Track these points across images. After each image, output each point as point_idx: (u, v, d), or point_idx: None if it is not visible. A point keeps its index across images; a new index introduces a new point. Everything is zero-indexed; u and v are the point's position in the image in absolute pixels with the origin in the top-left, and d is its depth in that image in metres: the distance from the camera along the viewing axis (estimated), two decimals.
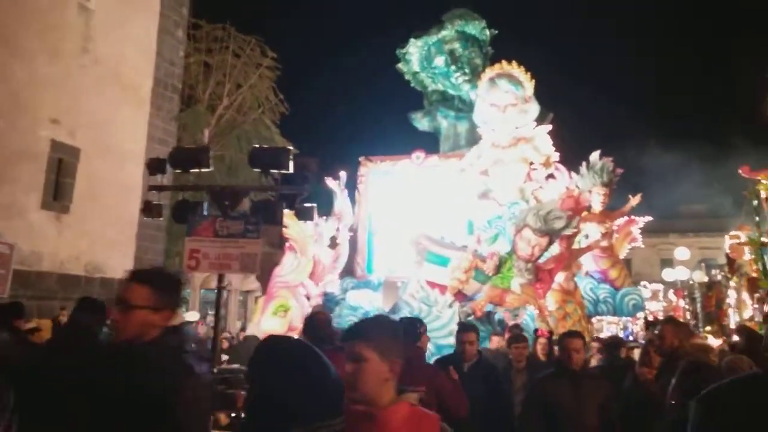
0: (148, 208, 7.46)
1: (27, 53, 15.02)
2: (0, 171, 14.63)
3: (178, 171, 7.50)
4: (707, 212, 31.05)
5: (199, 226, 7.35)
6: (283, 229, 11.66)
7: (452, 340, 10.36)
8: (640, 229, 12.74)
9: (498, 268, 10.84)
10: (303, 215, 7.68)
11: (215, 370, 7.22)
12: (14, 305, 6.75)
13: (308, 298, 11.93)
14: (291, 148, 8.29)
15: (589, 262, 11.84)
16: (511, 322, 9.74)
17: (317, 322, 4.67)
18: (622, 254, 12.49)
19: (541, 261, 10.44)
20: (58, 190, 16.22)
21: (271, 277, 12.23)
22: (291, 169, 7.27)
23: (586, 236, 11.86)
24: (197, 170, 7.30)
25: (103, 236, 16.87)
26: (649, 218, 12.94)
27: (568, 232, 10.32)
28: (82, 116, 15.95)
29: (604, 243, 11.77)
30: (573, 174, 12.31)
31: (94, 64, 16.29)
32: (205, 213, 7.42)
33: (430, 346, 6.95)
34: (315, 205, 7.55)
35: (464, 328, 6.25)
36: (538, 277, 10.49)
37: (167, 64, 17.66)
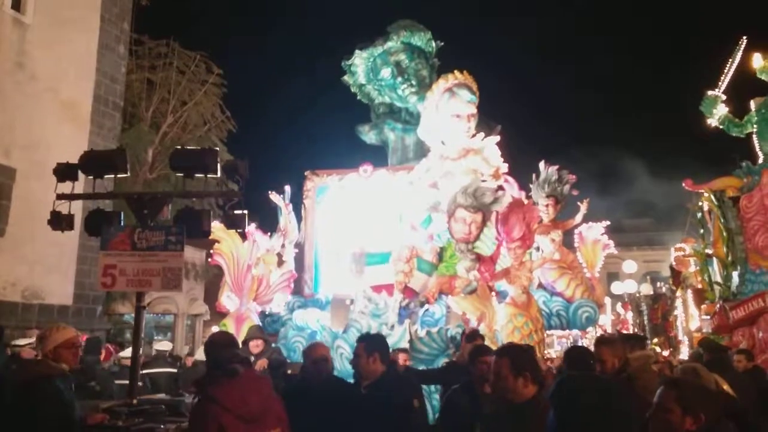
0: (56, 220, 6.38)
1: None
2: None
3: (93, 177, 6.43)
4: (650, 226, 30.92)
5: (115, 239, 6.30)
6: (215, 245, 10.63)
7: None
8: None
9: (440, 257, 10.35)
10: (233, 223, 6.67)
11: (134, 401, 6.12)
12: None
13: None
14: (218, 149, 7.27)
15: (541, 274, 11.06)
16: (467, 329, 8.82)
17: (215, 345, 3.73)
18: (599, 263, 11.81)
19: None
20: None
21: (240, 300, 11.11)
22: (218, 173, 6.29)
23: (538, 248, 11.10)
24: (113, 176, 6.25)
25: (41, 260, 15.56)
26: (606, 222, 12.26)
27: (497, 207, 10.08)
28: (17, 135, 14.69)
29: (556, 255, 11.02)
30: (523, 185, 11.60)
31: (30, 80, 15.06)
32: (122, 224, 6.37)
33: None
34: (245, 212, 6.55)
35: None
36: (480, 260, 10.10)
37: (108, 81, 16.47)
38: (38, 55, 15.15)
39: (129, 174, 6.39)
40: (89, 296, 17.22)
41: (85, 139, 15.97)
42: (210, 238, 11.36)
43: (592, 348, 9.86)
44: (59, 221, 6.42)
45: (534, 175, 11.47)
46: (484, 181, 11.73)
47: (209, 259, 11.95)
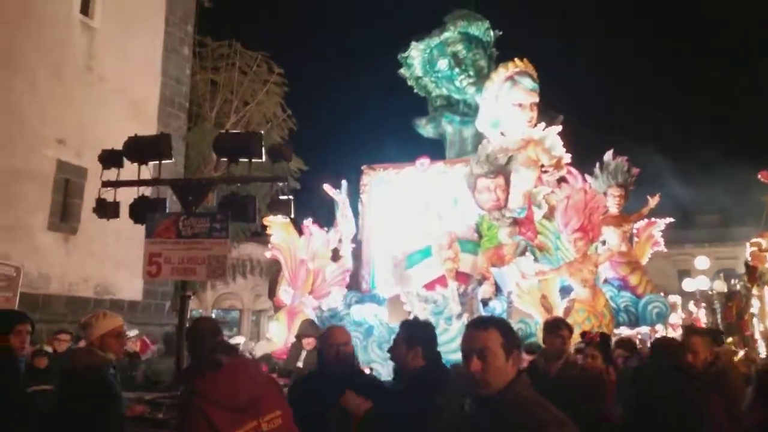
0: (102, 207, 6.11)
1: (30, 72, 13.95)
2: (5, 192, 13.54)
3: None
4: (721, 221, 29.22)
5: (160, 226, 5.99)
6: (271, 238, 10.30)
7: (460, 356, 9.00)
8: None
9: (479, 233, 10.20)
10: (278, 209, 6.25)
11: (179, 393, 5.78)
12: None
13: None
14: (262, 132, 6.87)
15: (607, 269, 10.25)
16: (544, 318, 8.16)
17: (197, 333, 3.29)
18: (645, 260, 10.92)
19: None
20: (66, 211, 15.14)
21: (288, 291, 10.81)
22: (263, 157, 5.88)
23: (604, 242, 10.32)
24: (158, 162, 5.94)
25: (112, 257, 15.70)
26: (670, 219, 11.35)
27: (512, 168, 10.07)
28: (87, 135, 14.81)
29: (623, 248, 10.20)
30: (587, 177, 10.83)
31: (98, 82, 15.18)
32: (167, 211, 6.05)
33: None
34: (291, 197, 6.12)
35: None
36: (518, 223, 9.96)
37: (173, 82, 16.48)
38: (106, 58, 15.26)
39: (173, 159, 6.06)
40: (158, 292, 17.30)
41: None
42: (267, 232, 11.12)
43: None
44: (104, 209, 6.16)
45: (599, 165, 10.70)
46: (545, 171, 11.08)
47: (269, 254, 11.66)
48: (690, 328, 5.09)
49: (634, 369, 5.64)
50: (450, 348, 8.89)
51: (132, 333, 8.72)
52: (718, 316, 20.28)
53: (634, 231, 10.98)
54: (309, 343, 8.14)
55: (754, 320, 17.17)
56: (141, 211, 6.00)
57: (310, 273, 10.72)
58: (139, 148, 5.97)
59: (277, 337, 10.43)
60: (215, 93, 19.30)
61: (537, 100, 11.05)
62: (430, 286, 9.69)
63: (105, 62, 15.22)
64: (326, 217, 12.02)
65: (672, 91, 56.65)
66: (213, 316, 22.99)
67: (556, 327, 5.01)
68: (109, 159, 6.01)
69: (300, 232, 10.76)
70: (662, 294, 11.17)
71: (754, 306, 17.11)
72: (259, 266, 21.39)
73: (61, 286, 15.08)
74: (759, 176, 13.22)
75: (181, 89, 16.78)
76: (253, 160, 5.82)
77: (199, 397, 2.84)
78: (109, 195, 6.27)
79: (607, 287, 9.94)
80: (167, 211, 6.14)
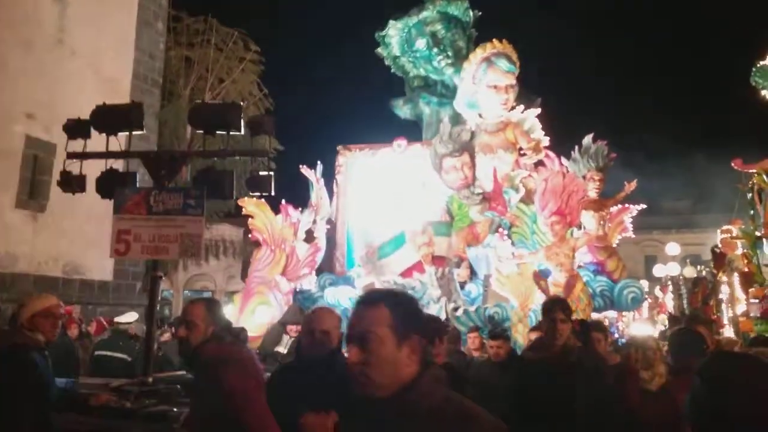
0: (67, 181, 5.71)
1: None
2: None
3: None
4: (690, 208, 29.45)
5: (129, 202, 5.62)
6: (249, 219, 9.91)
7: None
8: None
9: (450, 214, 10.03)
10: (257, 185, 5.90)
11: (150, 380, 5.43)
12: None
13: (282, 295, 10.06)
14: (242, 103, 6.50)
15: (584, 254, 10.08)
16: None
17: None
18: (613, 245, 10.77)
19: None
20: (34, 188, 14.60)
21: (249, 272, 10.40)
22: (242, 130, 5.53)
23: (581, 226, 10.15)
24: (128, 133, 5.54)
25: (82, 236, 15.19)
26: (643, 206, 11.20)
27: (475, 143, 9.98)
28: (58, 111, 14.17)
29: (601, 232, 10.04)
30: (564, 160, 10.63)
31: (70, 56, 14.59)
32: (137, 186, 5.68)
33: None
34: (271, 173, 5.78)
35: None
36: (487, 198, 9.81)
37: (147, 57, 15.89)
38: (78, 32, 14.67)
39: (145, 131, 5.68)
40: (129, 272, 16.84)
41: None
42: (243, 213, 10.72)
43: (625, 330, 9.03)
44: (69, 183, 5.76)
45: (577, 148, 10.51)
46: (523, 154, 10.87)
47: (249, 236, 11.21)
48: (694, 317, 4.94)
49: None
50: None
51: (130, 318, 8.26)
52: (684, 302, 20.45)
53: (608, 216, 10.82)
54: (295, 330, 7.75)
55: (723, 306, 17.31)
56: (109, 185, 5.61)
57: (282, 254, 10.31)
58: (109, 118, 5.59)
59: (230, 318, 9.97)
60: (190, 70, 18.67)
61: (513, 82, 10.76)
62: (407, 273, 9.48)
63: (76, 36, 14.62)
64: (302, 198, 11.68)
65: (651, 76, 56.82)
66: (183, 298, 22.56)
67: (547, 309, 4.47)
68: (76, 129, 5.61)
69: (276, 212, 10.39)
70: None
71: (723, 292, 17.23)
72: (232, 247, 20.93)
73: (29, 266, 14.58)
74: (732, 164, 13.11)
75: (154, 65, 16.21)
76: (231, 133, 5.46)
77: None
78: (75, 167, 5.86)
79: (583, 272, 9.78)
80: (137, 185, 5.76)
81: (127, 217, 5.57)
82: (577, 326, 6.10)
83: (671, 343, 4.27)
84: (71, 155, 5.66)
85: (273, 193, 5.82)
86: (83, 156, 5.66)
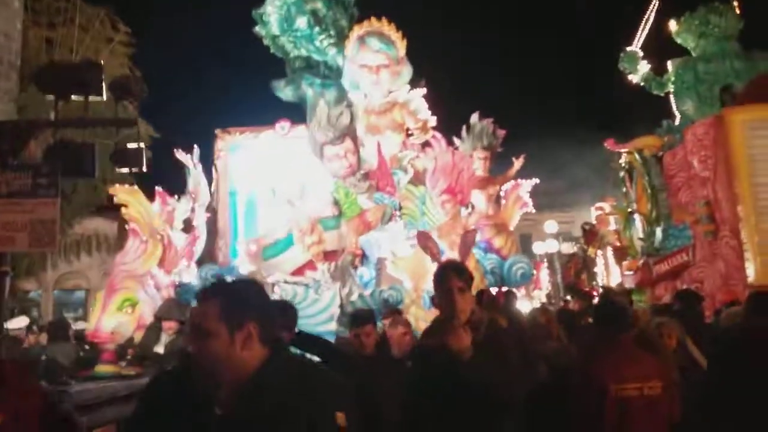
0: None
1: None
2: None
3: None
4: (561, 188, 30.59)
5: None
6: (122, 209, 8.77)
7: (333, 326, 8.16)
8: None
9: (337, 205, 9.46)
10: (125, 160, 4.95)
11: None
12: None
13: (158, 290, 8.96)
14: (101, 62, 5.47)
15: (479, 232, 9.86)
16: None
17: None
18: (514, 222, 10.63)
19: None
20: None
21: (113, 265, 9.12)
22: (104, 94, 4.59)
23: (471, 206, 9.91)
24: None
25: None
26: (536, 180, 11.14)
27: (356, 124, 9.54)
28: None
29: (490, 211, 9.85)
30: (455, 139, 10.38)
31: None
32: None
33: None
34: (142, 145, 4.85)
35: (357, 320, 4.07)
36: (373, 177, 9.43)
37: (2, 38, 13.92)
38: None
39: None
40: None
41: None
42: (115, 203, 9.49)
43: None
44: None
45: (465, 127, 10.22)
46: (410, 135, 10.46)
47: (126, 227, 9.88)
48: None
49: None
50: (322, 318, 8.07)
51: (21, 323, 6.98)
52: (558, 277, 21.24)
53: (502, 194, 10.67)
54: (170, 327, 6.80)
55: (598, 278, 18.06)
56: None
57: (158, 245, 9.20)
58: None
59: (91, 317, 8.73)
60: (51, 52, 16.61)
61: (385, 62, 10.21)
62: (299, 272, 8.77)
63: None
64: (179, 187, 10.61)
65: (532, 57, 58.36)
66: (53, 298, 20.49)
67: (439, 278, 3.21)
68: None
69: (152, 200, 9.29)
70: None
71: (599, 265, 17.99)
72: (106, 242, 19.11)
73: None
74: (605, 144, 13.59)
75: (10, 46, 14.18)
76: (90, 98, 4.51)
77: None
78: None
79: (474, 250, 9.54)
80: None
81: None
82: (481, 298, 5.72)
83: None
84: None
85: (145, 169, 4.91)
86: None
